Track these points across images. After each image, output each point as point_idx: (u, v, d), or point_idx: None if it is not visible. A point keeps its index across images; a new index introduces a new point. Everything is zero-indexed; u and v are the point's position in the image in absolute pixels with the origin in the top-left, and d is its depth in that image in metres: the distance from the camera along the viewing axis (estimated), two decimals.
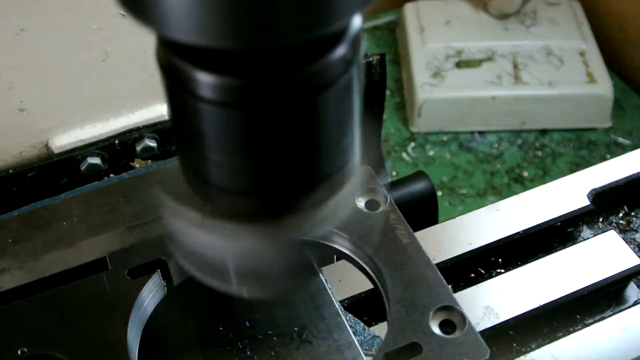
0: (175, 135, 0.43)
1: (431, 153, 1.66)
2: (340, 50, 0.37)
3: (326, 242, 0.63)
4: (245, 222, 0.46)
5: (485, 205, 0.80)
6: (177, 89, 0.38)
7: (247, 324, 0.62)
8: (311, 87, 0.37)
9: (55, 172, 0.79)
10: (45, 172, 0.78)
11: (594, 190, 0.80)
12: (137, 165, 0.80)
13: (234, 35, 0.31)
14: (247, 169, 0.41)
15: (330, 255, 0.68)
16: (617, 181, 0.81)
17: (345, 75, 0.38)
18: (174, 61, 0.37)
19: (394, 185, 0.86)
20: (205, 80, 0.36)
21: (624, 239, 0.76)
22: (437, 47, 1.75)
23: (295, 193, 0.43)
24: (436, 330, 0.56)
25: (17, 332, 0.58)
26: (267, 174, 0.41)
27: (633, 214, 0.83)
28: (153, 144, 0.81)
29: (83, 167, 0.79)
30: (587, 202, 0.79)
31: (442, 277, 0.60)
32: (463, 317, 0.56)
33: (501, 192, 1.59)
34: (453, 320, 0.56)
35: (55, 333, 0.57)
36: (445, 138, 1.69)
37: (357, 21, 0.38)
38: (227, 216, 0.45)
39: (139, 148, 0.81)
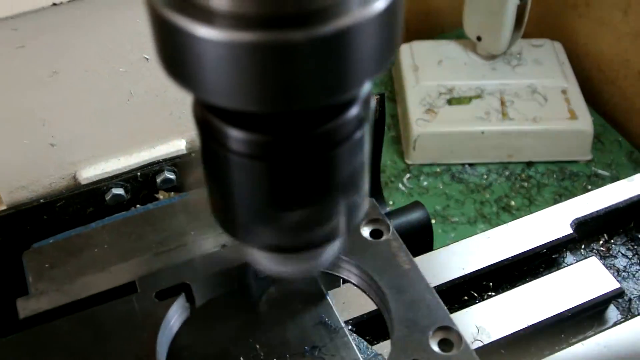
0: (206, 180, 0.46)
1: (425, 183, 1.69)
2: (354, 110, 0.40)
3: (335, 273, 0.67)
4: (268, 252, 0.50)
5: (476, 232, 0.82)
6: (210, 141, 0.41)
7: (258, 347, 0.65)
8: (329, 142, 0.40)
9: (82, 202, 0.82)
10: (73, 201, 0.82)
11: (576, 219, 0.83)
12: (161, 197, 0.84)
13: (262, 102, 0.35)
14: (269, 211, 0.44)
15: (337, 280, 0.71)
16: (597, 211, 0.84)
17: (358, 130, 0.41)
18: (209, 118, 0.40)
19: (392, 215, 0.88)
20: (235, 136, 0.39)
21: (604, 264, 0.79)
22: (430, 85, 1.78)
23: (313, 231, 0.46)
24: (435, 348, 0.58)
25: (55, 348, 0.61)
26: (288, 216, 0.44)
27: (612, 241, 0.86)
28: (172, 176, 0.85)
29: (108, 197, 0.82)
30: (570, 231, 0.82)
31: (440, 299, 0.63)
32: (459, 337, 0.59)
33: (490, 220, 1.61)
34: (451, 339, 0.59)
35: (90, 350, 0.61)
36: (438, 169, 1.72)
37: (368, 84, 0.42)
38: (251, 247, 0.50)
39: (159, 180, 0.84)
